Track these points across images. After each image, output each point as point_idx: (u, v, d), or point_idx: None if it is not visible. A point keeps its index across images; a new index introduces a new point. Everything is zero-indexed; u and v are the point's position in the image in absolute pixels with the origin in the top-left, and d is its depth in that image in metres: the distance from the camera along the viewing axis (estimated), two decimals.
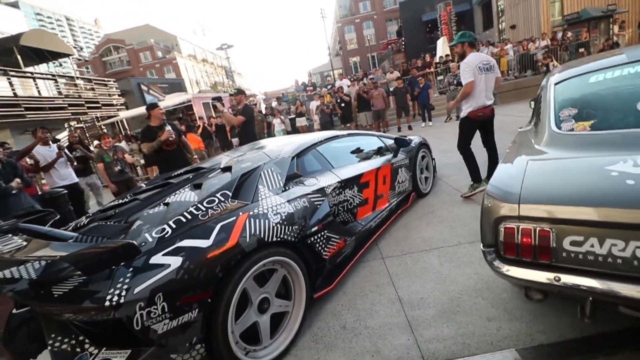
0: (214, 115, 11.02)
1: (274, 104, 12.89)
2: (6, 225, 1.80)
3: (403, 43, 27.82)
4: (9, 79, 11.76)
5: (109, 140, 5.24)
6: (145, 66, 44.18)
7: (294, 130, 10.76)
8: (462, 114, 3.45)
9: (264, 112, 11.71)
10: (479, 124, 3.45)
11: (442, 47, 14.85)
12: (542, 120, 1.86)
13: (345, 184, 2.52)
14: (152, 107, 4.14)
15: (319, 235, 2.10)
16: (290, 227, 1.91)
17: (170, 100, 15.38)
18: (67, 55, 15.41)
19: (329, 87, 13.39)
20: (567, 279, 1.22)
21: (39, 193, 4.35)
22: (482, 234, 1.51)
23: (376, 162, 3.07)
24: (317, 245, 2.08)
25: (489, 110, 3.38)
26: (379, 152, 3.32)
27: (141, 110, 15.94)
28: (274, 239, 1.79)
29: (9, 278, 1.56)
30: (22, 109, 11.45)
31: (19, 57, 14.15)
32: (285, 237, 1.86)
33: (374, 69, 25.03)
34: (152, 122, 4.06)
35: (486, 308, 1.89)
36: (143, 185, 2.70)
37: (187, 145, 4.27)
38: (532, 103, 2.83)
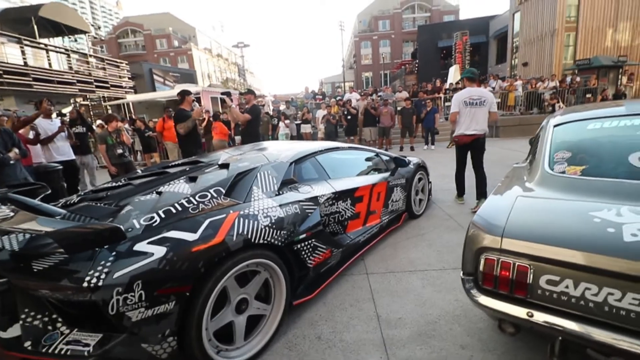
0: (220, 110, 11.08)
1: (282, 107, 12.98)
2: None
3: (416, 65, 28.25)
4: (21, 47, 11.84)
5: (115, 124, 5.27)
6: (159, 53, 44.49)
7: (299, 135, 10.82)
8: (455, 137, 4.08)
9: (271, 113, 11.78)
10: (464, 149, 4.02)
11: (454, 75, 15.09)
12: (537, 159, 1.90)
13: (339, 195, 2.54)
14: (187, 93, 4.39)
15: (306, 243, 2.11)
16: (279, 232, 1.92)
17: (180, 90, 15.45)
18: (84, 32, 15.55)
19: (338, 98, 13.52)
20: (540, 316, 1.23)
21: (34, 165, 4.32)
22: (464, 261, 1.53)
23: (373, 178, 3.09)
24: (303, 252, 2.09)
25: (468, 139, 3.89)
26: (377, 168, 3.35)
27: (149, 95, 16.03)
28: (261, 241, 1.80)
29: None
30: (30, 79, 11.50)
31: (35, 27, 14.25)
32: (272, 240, 1.87)
33: (384, 86, 25.35)
34: (185, 107, 4.31)
35: (461, 335, 1.90)
36: (139, 171, 2.71)
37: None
38: (531, 141, 2.89)
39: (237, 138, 9.76)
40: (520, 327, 1.35)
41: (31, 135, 4.70)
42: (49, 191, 2.27)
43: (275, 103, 14.05)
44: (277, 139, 10.58)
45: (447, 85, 14.19)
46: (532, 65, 19.20)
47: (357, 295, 2.36)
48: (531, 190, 1.64)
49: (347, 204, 2.63)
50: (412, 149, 9.78)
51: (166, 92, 16.30)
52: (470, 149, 3.97)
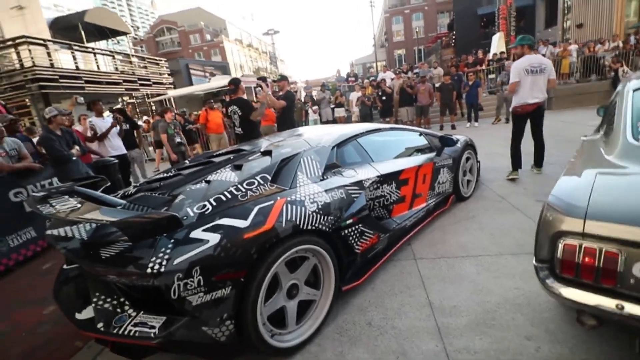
0: (254, 99, 11.23)
1: (314, 92, 12.85)
2: (64, 187, 1.94)
3: (454, 37, 26.42)
4: (72, 53, 12.73)
5: (171, 114, 5.69)
6: (194, 48, 45.84)
7: (333, 120, 10.68)
8: (510, 109, 4.03)
9: (303, 100, 11.72)
10: (524, 118, 3.96)
11: (498, 44, 13.90)
12: (616, 130, 1.66)
13: (384, 179, 2.45)
14: (238, 81, 4.40)
15: (353, 228, 2.07)
16: (326, 217, 1.88)
17: (215, 83, 15.88)
18: (125, 34, 16.37)
19: (371, 78, 13.09)
20: (633, 308, 1.08)
21: (93, 161, 4.66)
22: (537, 247, 1.39)
23: (417, 159, 2.95)
24: (351, 238, 2.05)
25: (530, 107, 3.83)
26: (421, 149, 3.18)
27: (188, 90, 16.66)
28: (309, 227, 1.78)
29: (63, 236, 1.70)
30: (83, 82, 12.37)
31: (82, 33, 15.24)
32: (320, 226, 1.84)
33: (419, 62, 24.11)
34: (240, 94, 4.34)
35: (525, 325, 1.76)
36: (187, 161, 2.81)
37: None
38: (601, 110, 2.56)
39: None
40: (605, 320, 1.20)
41: (89, 133, 5.07)
42: (109, 183, 2.41)
43: (307, 89, 13.94)
44: (307, 125, 10.53)
45: (490, 56, 13.12)
46: (588, 26, 17.10)
47: (407, 282, 2.28)
48: (613, 165, 1.44)
49: (392, 188, 2.54)
50: (453, 127, 9.26)
51: (204, 86, 16.83)
52: (531, 117, 3.95)
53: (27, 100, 11.28)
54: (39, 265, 3.52)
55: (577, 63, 11.58)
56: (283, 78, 5.04)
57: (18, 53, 11.06)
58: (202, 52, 45.14)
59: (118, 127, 5.36)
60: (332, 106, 10.76)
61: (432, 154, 3.13)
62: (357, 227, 2.09)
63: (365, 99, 10.07)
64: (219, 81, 15.66)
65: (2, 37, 12.81)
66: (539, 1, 23.22)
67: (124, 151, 5.59)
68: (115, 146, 5.35)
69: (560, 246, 1.23)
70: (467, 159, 3.67)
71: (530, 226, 2.77)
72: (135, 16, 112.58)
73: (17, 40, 11.18)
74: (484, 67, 12.21)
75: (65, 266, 2.00)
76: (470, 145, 3.72)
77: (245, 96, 4.36)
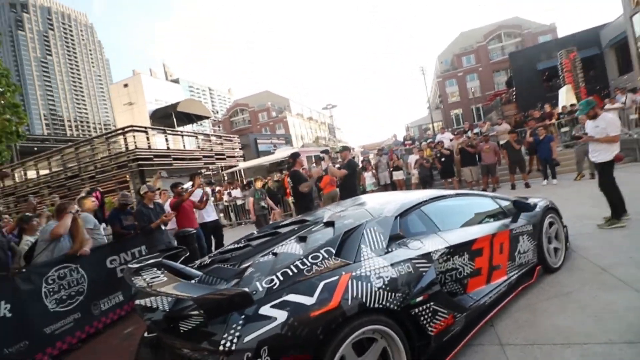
0: (315, 166, 11.86)
1: (371, 156, 13.16)
2: (153, 260, 2.18)
3: (514, 93, 25.80)
4: (165, 136, 15.24)
5: (260, 183, 6.75)
6: (261, 124, 51.65)
7: (392, 183, 10.63)
8: (609, 157, 4.09)
9: (360, 164, 12.03)
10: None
11: (566, 96, 13.16)
12: None
13: (455, 249, 2.28)
14: (297, 155, 4.87)
15: (424, 306, 1.90)
16: (393, 294, 1.78)
17: (280, 153, 17.34)
18: (207, 118, 19.28)
19: (429, 140, 13.07)
20: None
21: (175, 232, 5.19)
22: None
23: (491, 227, 2.72)
24: (422, 318, 1.88)
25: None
26: (494, 215, 2.94)
27: (256, 161, 18.38)
28: (376, 305, 1.70)
29: (149, 307, 1.86)
30: (171, 159, 14.50)
31: (174, 119, 18.38)
32: (388, 304, 1.74)
33: (480, 121, 23.61)
34: (297, 167, 4.78)
35: None
36: (254, 232, 2.98)
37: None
38: None
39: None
40: None
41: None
42: (188, 253, 2.65)
43: (364, 153, 14.37)
44: (365, 188, 10.58)
45: (559, 109, 12.35)
46: None
47: None
48: None
49: (464, 259, 2.34)
50: (527, 185, 8.49)
51: (269, 157, 18.50)
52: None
53: (127, 176, 13.46)
54: (122, 329, 3.82)
55: None
56: (345, 149, 5.40)
57: (125, 139, 13.61)
58: (268, 127, 50.47)
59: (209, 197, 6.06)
60: (390, 169, 10.81)
61: (507, 220, 2.87)
62: (428, 305, 1.92)
63: (424, 161, 9.95)
64: (283, 152, 17.08)
65: (114, 126, 16.07)
66: (607, 50, 22.04)
67: (216, 217, 6.28)
68: (209, 212, 5.99)
69: None
70: (551, 223, 3.27)
71: None
72: (215, 101, 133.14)
73: (126, 129, 13.86)
74: (553, 120, 11.46)
75: (145, 334, 2.14)
76: (551, 209, 3.34)
77: (302, 168, 4.74)
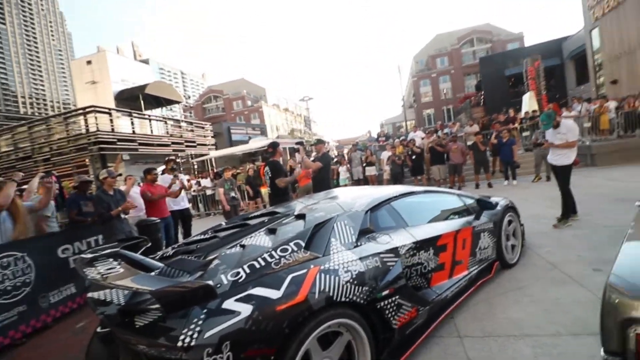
0: (289, 158, 11.74)
1: (345, 150, 13.25)
2: (110, 250, 2.04)
3: (482, 97, 26.95)
4: (131, 119, 14.40)
5: (229, 173, 6.57)
6: (236, 112, 50.30)
7: (364, 179, 10.78)
8: (568, 162, 4.36)
9: (335, 159, 12.08)
10: None
11: (529, 103, 13.93)
12: None
13: (421, 244, 2.33)
14: (277, 145, 4.64)
15: (390, 300, 1.93)
16: (360, 288, 1.79)
17: (254, 144, 17.00)
18: (178, 102, 18.41)
19: (402, 138, 13.36)
20: None
21: (137, 220, 4.93)
22: (604, 336, 1.20)
23: (455, 223, 2.82)
24: (387, 311, 1.91)
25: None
26: (459, 212, 3.06)
27: (228, 150, 17.87)
28: (343, 298, 1.69)
29: (102, 300, 1.74)
30: (137, 144, 13.75)
31: (142, 102, 17.40)
32: (355, 298, 1.74)
33: (450, 122, 24.43)
34: (277, 158, 4.58)
35: None
36: (223, 223, 2.89)
37: None
38: None
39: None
40: None
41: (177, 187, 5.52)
42: (149, 244, 2.51)
43: (339, 148, 14.43)
44: (339, 183, 10.66)
45: (522, 114, 13.07)
46: (623, 82, 16.74)
47: None
48: None
49: (429, 254, 2.40)
50: (490, 185, 8.95)
51: (242, 147, 18.06)
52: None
53: (87, 160, 12.61)
54: (73, 323, 3.58)
55: (617, 119, 11.16)
56: (320, 142, 5.35)
57: (86, 120, 12.72)
58: (242, 116, 49.29)
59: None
60: (364, 165, 10.95)
61: (471, 218, 2.99)
62: (393, 298, 1.96)
63: (396, 158, 10.17)
64: (257, 143, 16.76)
65: (74, 106, 14.96)
66: (568, 61, 23.54)
67: (187, 205, 6.05)
68: (177, 200, 5.72)
69: (632, 336, 1.06)
70: (510, 221, 3.46)
71: (591, 300, 2.45)
72: (188, 87, 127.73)
73: (87, 109, 12.94)
74: (517, 124, 12.11)
75: (99, 329, 2.02)
76: (511, 208, 3.53)
77: (282, 159, 4.62)
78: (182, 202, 5.96)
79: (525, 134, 11.81)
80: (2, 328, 3.07)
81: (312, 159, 5.27)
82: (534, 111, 12.54)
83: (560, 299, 2.61)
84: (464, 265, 2.76)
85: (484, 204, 3.09)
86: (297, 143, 5.06)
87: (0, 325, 3.07)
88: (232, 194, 6.49)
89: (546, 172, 8.43)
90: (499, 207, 3.32)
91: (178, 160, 14.85)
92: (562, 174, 4.44)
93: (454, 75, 42.59)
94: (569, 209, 4.47)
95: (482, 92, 27.26)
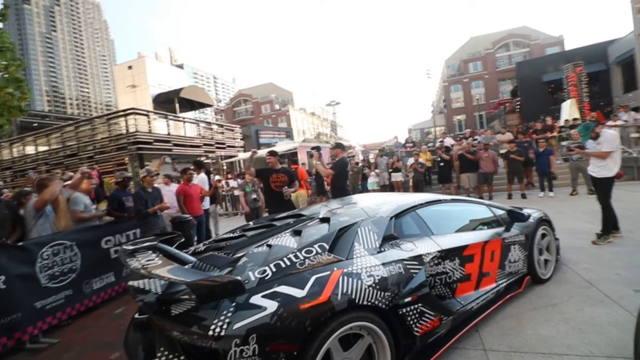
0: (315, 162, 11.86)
1: (371, 156, 13.19)
2: (149, 243, 2.20)
3: (518, 103, 25.83)
4: (167, 121, 15.18)
5: (250, 176, 6.39)
6: (264, 116, 51.50)
7: (390, 184, 10.68)
8: (609, 174, 4.11)
9: (360, 164, 12.05)
10: None
11: (570, 110, 13.20)
12: None
13: (446, 254, 2.31)
14: (273, 154, 4.71)
15: (412, 307, 1.94)
16: (383, 293, 1.82)
17: (280, 147, 17.32)
18: (210, 106, 19.18)
19: (429, 144, 13.11)
20: None
21: (170, 217, 5.20)
22: (637, 355, 1.16)
23: (484, 234, 2.76)
24: (409, 318, 1.92)
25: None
26: (488, 223, 2.98)
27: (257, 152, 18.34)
28: (365, 302, 1.73)
29: (142, 288, 1.88)
30: (171, 145, 14.45)
31: (177, 105, 18.28)
32: (377, 302, 1.77)
33: (481, 129, 23.63)
34: (272, 165, 4.61)
35: None
36: (251, 223, 3.01)
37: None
38: None
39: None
40: None
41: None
42: (183, 239, 2.67)
43: (365, 153, 14.39)
44: (366, 188, 10.61)
45: (561, 122, 12.40)
46: None
47: None
48: None
49: (455, 264, 2.37)
50: (523, 196, 8.54)
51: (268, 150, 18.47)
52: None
53: (126, 158, 13.42)
54: (112, 309, 3.85)
55: None
56: (338, 146, 5.18)
57: (126, 121, 13.56)
58: (270, 120, 50.34)
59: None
60: (390, 170, 10.85)
61: (501, 229, 2.91)
62: (416, 306, 1.96)
63: (418, 166, 9.95)
64: (283, 146, 17.06)
65: (116, 108, 16.00)
66: (614, 66, 22.04)
67: (208, 206, 6.33)
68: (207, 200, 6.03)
69: None
70: (543, 235, 3.32)
71: (629, 322, 2.30)
72: (219, 90, 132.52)
73: (127, 112, 13.80)
74: (555, 133, 11.51)
75: (136, 315, 2.17)
76: (545, 221, 3.38)
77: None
78: (204, 203, 6.19)
79: (564, 143, 11.20)
80: (51, 309, 3.36)
81: (328, 163, 5.25)
82: (574, 119, 11.87)
83: (596, 318, 2.48)
84: (492, 277, 2.69)
85: (515, 216, 2.99)
86: (312, 148, 5.00)
87: (50, 306, 3.36)
88: (254, 196, 6.45)
89: (587, 184, 7.95)
90: (531, 220, 3.20)
91: (208, 161, 15.44)
92: (602, 187, 4.19)
93: (488, 81, 41.13)
94: (609, 224, 4.19)
95: (518, 99, 26.13)
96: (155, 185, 4.86)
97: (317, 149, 5.13)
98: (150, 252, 2.02)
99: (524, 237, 3.01)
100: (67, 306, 3.54)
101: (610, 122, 10.18)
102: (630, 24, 18.22)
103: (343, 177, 4.86)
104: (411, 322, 1.93)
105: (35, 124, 21.11)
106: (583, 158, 7.37)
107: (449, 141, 11.99)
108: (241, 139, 20.22)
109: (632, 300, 2.62)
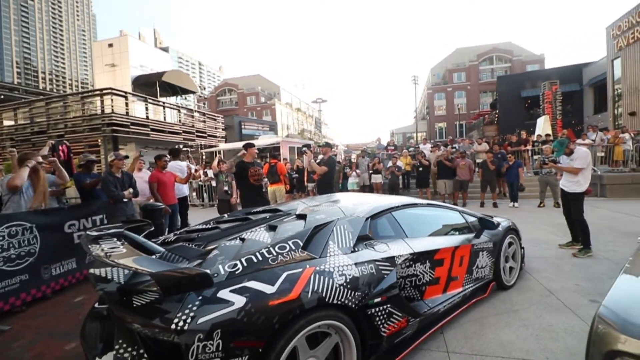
0: (297, 158, 11.79)
1: (353, 156, 13.26)
2: (115, 230, 2.10)
3: (497, 115, 26.79)
4: (146, 105, 14.63)
5: (225, 166, 6.24)
6: (248, 108, 50.72)
7: (370, 185, 10.78)
8: (580, 189, 4.30)
9: (342, 162, 12.10)
10: None
11: (543, 126, 13.86)
12: None
13: (418, 257, 2.35)
14: (250, 145, 4.72)
15: (381, 308, 1.96)
16: (353, 292, 1.82)
17: (263, 140, 17.11)
18: (193, 92, 18.62)
19: (410, 149, 13.34)
20: None
21: (142, 204, 5.01)
22: None
23: (455, 239, 2.83)
24: (378, 318, 1.93)
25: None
26: (460, 229, 3.06)
27: (237, 144, 18.00)
28: (335, 301, 1.72)
29: (103, 277, 1.79)
30: (149, 129, 13.94)
31: (158, 89, 17.66)
32: (346, 301, 1.77)
33: (460, 137, 24.31)
34: (246, 159, 4.56)
35: None
36: (226, 215, 2.94)
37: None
38: None
39: (310, 185, 10.15)
40: None
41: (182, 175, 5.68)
42: (152, 228, 2.57)
43: (347, 152, 14.45)
44: (346, 187, 10.66)
45: (534, 137, 12.96)
46: None
47: None
48: None
49: (425, 267, 2.42)
50: (495, 205, 8.87)
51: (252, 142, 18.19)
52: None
53: (99, 140, 12.83)
54: (71, 297, 3.66)
55: (632, 151, 11.01)
56: (327, 145, 5.42)
57: (102, 101, 12.95)
58: (255, 112, 49.66)
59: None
60: (370, 172, 10.94)
61: (471, 235, 2.99)
62: (385, 307, 1.98)
63: (395, 169, 10.11)
64: (266, 140, 16.87)
65: (92, 86, 15.26)
66: (587, 87, 23.27)
67: (186, 193, 6.12)
68: (178, 187, 5.77)
69: None
70: (510, 243, 3.45)
71: (584, 330, 2.40)
72: (204, 78, 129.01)
73: (104, 91, 13.19)
74: (528, 147, 12.01)
75: (96, 305, 2.07)
76: (513, 230, 3.52)
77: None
78: (184, 190, 6.03)
79: (536, 157, 11.72)
80: (3, 294, 3.16)
81: (317, 161, 5.33)
82: (547, 135, 12.45)
83: (553, 325, 2.60)
84: (460, 282, 2.77)
85: (485, 223, 3.09)
86: (304, 145, 5.15)
87: (2, 291, 3.16)
88: (225, 188, 6.25)
89: (554, 197, 8.35)
90: (500, 228, 3.32)
91: (186, 149, 15.00)
92: (574, 202, 4.34)
93: (470, 92, 42.42)
94: (587, 237, 4.27)
95: (497, 111, 27.10)
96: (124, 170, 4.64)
97: (308, 146, 5.21)
98: (115, 239, 1.92)
99: (492, 244, 3.11)
100: (22, 291, 3.34)
101: (579, 141, 10.72)
102: (604, 49, 19.28)
103: (332, 174, 5.12)
104: (379, 323, 1.94)
105: (2, 96, 19.80)
106: (552, 172, 7.76)
107: (426, 147, 12.24)
108: (223, 129, 19.81)
109: (587, 310, 2.77)
